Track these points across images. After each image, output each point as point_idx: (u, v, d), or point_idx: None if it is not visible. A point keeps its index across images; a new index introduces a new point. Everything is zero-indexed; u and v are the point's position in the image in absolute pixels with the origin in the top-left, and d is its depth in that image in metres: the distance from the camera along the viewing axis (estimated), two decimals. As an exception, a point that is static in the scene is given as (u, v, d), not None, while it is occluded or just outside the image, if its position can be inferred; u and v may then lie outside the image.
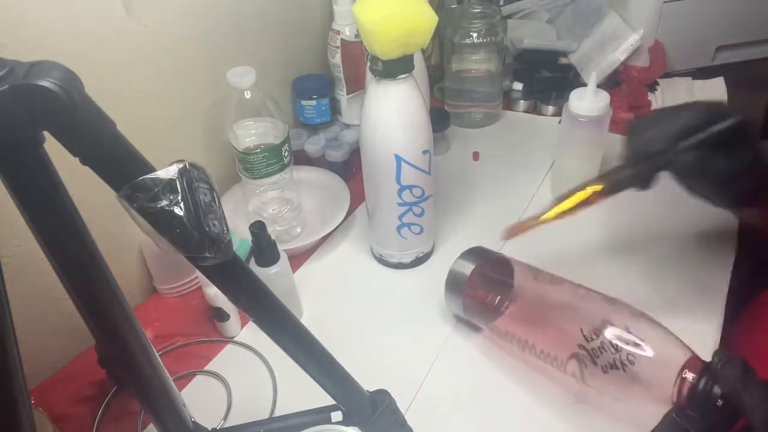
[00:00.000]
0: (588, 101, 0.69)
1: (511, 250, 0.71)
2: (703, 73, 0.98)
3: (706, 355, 0.56)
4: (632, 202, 0.77)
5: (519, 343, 0.56)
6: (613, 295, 0.53)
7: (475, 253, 0.61)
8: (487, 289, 0.59)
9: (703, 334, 0.59)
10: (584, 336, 0.50)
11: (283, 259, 0.61)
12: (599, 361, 0.49)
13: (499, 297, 0.58)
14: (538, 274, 0.58)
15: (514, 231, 0.56)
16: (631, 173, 0.51)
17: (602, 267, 0.69)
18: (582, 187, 0.52)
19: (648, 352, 0.47)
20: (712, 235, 0.70)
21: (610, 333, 0.49)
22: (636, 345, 0.48)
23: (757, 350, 0.59)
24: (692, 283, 0.65)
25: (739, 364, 0.43)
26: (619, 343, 0.48)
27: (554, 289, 0.56)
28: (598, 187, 0.51)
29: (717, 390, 0.44)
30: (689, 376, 0.45)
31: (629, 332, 0.49)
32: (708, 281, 0.65)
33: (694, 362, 0.46)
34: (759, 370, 0.56)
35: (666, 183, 0.82)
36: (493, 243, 0.73)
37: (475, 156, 0.89)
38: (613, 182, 0.52)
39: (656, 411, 0.48)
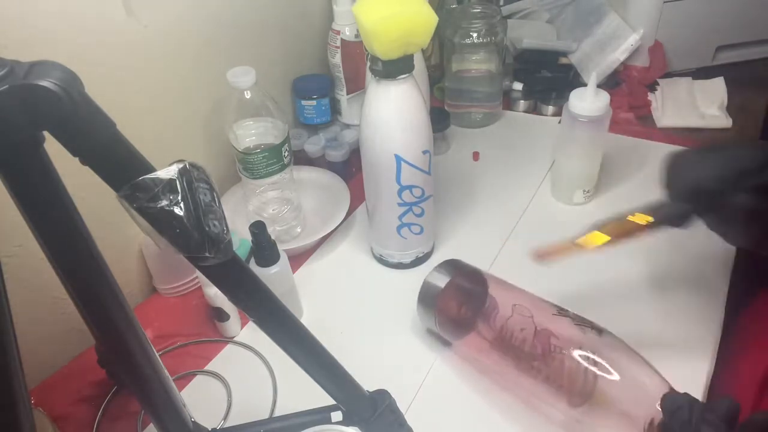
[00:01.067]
0: (588, 101, 0.69)
1: (508, 252, 0.72)
2: (703, 73, 0.98)
3: (699, 366, 0.56)
4: (631, 202, 0.77)
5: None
6: (595, 319, 0.52)
7: (451, 266, 0.60)
8: (460, 303, 0.58)
9: (702, 335, 0.60)
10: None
11: (283, 259, 0.61)
12: (569, 386, 0.49)
13: (470, 313, 0.57)
14: (514, 293, 0.56)
15: (546, 254, 0.52)
16: (681, 210, 0.48)
17: (600, 269, 0.68)
18: (625, 217, 0.49)
19: (615, 376, 0.46)
20: (711, 236, 0.70)
21: (579, 356, 0.48)
22: (608, 372, 0.47)
23: (757, 350, 0.59)
24: (692, 285, 0.65)
25: (689, 408, 0.42)
26: (593, 369, 0.48)
27: (528, 311, 0.54)
28: (647, 219, 0.48)
29: None
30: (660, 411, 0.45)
31: (602, 360, 0.48)
32: (708, 283, 0.65)
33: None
34: (757, 370, 0.56)
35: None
36: (493, 243, 0.73)
37: (475, 156, 0.89)
38: (662, 216, 0.48)
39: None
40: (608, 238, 0.49)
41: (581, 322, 0.51)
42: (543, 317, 0.52)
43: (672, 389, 0.46)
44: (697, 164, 0.48)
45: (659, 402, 0.44)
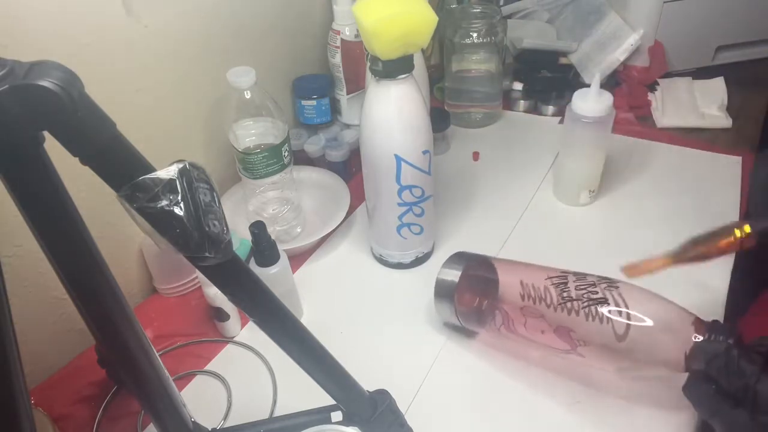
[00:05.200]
0: (591, 102, 0.69)
1: (508, 252, 0.72)
2: (703, 73, 0.98)
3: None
4: (631, 203, 0.78)
5: (521, 338, 0.56)
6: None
7: (459, 259, 0.61)
8: (474, 293, 0.59)
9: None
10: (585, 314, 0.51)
11: (283, 259, 0.61)
12: (607, 327, 0.50)
13: (486, 300, 0.57)
14: (522, 266, 0.57)
15: (637, 270, 0.52)
16: None
17: (601, 270, 0.68)
18: (724, 231, 0.48)
19: (656, 320, 0.48)
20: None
21: (606, 309, 0.50)
22: (643, 315, 0.48)
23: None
24: (692, 283, 0.65)
25: (725, 355, 0.43)
26: (619, 319, 0.49)
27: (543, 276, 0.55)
28: (746, 229, 0.47)
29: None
30: (698, 338, 0.46)
31: (636, 303, 0.49)
32: (708, 281, 0.65)
33: (699, 326, 0.47)
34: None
35: (661, 186, 0.82)
36: (493, 243, 0.73)
37: (475, 156, 0.89)
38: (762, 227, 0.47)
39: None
40: (706, 250, 0.49)
41: (600, 280, 0.52)
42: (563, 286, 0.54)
43: (697, 319, 0.47)
44: None
45: (692, 333, 0.46)
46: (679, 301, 0.62)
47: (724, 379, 0.42)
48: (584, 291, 0.51)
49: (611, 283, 0.52)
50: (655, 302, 0.49)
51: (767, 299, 0.64)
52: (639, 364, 0.50)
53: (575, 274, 0.54)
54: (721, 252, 0.48)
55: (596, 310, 0.50)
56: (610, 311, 0.49)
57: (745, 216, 0.72)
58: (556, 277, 0.54)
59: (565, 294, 0.52)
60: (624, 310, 0.49)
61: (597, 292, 0.51)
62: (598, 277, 0.53)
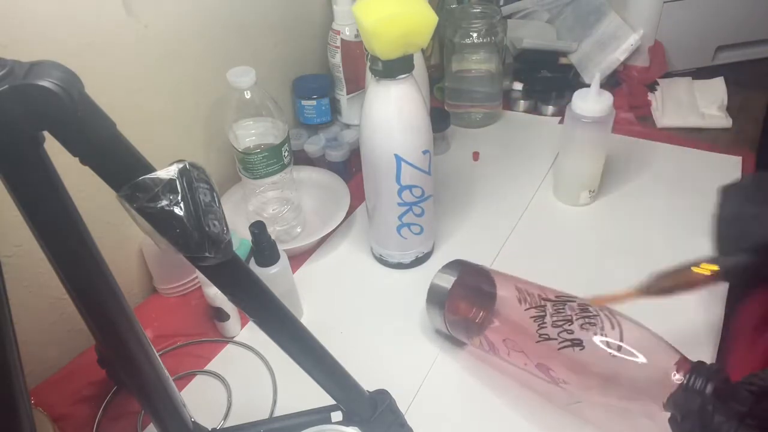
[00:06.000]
0: (591, 102, 0.69)
1: (508, 252, 0.72)
2: (703, 73, 0.98)
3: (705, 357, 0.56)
4: (631, 203, 0.78)
5: (503, 358, 0.56)
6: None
7: (456, 266, 0.60)
8: (470, 303, 0.58)
9: (703, 336, 0.59)
10: (569, 342, 0.50)
11: (283, 259, 0.61)
12: (586, 366, 0.49)
13: (481, 312, 0.57)
14: (521, 285, 0.56)
15: (604, 302, 0.53)
16: (747, 262, 0.47)
17: (601, 269, 0.69)
18: (688, 267, 0.48)
19: (638, 357, 0.47)
20: (709, 236, 0.70)
21: (597, 339, 0.49)
22: (625, 350, 0.47)
23: (755, 350, 0.59)
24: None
25: (699, 407, 0.43)
26: (607, 349, 0.48)
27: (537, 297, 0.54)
28: (711, 269, 0.47)
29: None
30: (678, 378, 0.45)
31: (616, 338, 0.48)
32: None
33: (683, 365, 0.46)
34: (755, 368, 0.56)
35: (661, 186, 0.82)
36: (493, 243, 0.73)
37: (475, 156, 0.89)
38: (728, 268, 0.47)
39: (648, 419, 0.48)
40: (670, 285, 0.49)
41: (579, 312, 0.51)
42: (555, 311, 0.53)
43: (682, 358, 0.46)
44: (755, 218, 0.48)
45: (673, 373, 0.45)
46: (679, 301, 0.63)
47: None
48: (560, 329, 0.50)
49: (590, 317, 0.50)
50: (636, 337, 0.48)
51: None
52: (620, 401, 0.49)
53: (554, 303, 0.52)
54: (687, 288, 0.49)
55: (572, 351, 0.49)
56: (588, 351, 0.48)
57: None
58: (534, 308, 0.52)
59: (542, 332, 0.51)
60: (604, 349, 0.48)
61: (573, 331, 0.50)
62: (579, 305, 0.51)
